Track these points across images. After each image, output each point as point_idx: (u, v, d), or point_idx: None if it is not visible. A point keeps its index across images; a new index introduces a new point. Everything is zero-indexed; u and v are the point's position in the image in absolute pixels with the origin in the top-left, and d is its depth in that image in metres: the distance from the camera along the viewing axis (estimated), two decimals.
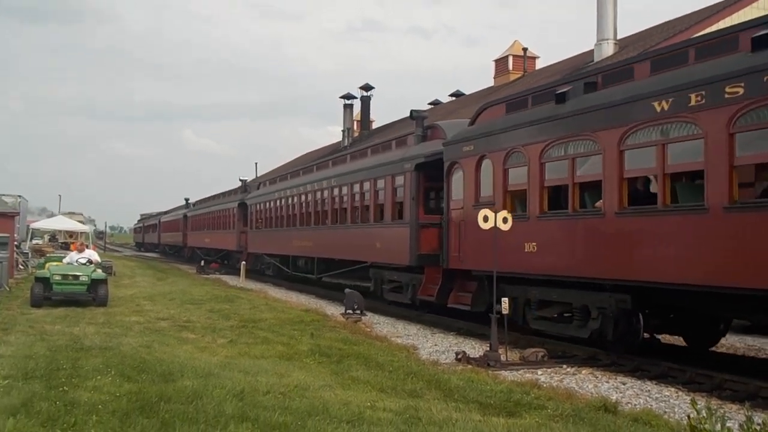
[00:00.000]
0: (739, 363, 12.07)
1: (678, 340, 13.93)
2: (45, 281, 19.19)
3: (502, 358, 12.31)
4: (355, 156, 24.09)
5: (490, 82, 40.12)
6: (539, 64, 38.49)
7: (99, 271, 20.26)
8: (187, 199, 61.71)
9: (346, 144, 50.07)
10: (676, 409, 9.21)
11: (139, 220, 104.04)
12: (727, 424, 5.36)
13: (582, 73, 14.30)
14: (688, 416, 5.78)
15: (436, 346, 14.55)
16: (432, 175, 17.55)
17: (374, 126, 54.33)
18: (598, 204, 11.96)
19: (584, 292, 12.40)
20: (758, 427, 5.24)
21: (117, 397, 8.21)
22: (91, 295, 19.31)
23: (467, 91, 44.87)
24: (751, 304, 9.93)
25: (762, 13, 17.28)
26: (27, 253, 38.88)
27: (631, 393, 10.21)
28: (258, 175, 50.83)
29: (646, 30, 29.39)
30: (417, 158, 18.03)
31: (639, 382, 10.93)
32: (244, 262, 34.74)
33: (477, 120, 16.01)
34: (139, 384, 8.95)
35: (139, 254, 79.00)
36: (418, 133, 19.18)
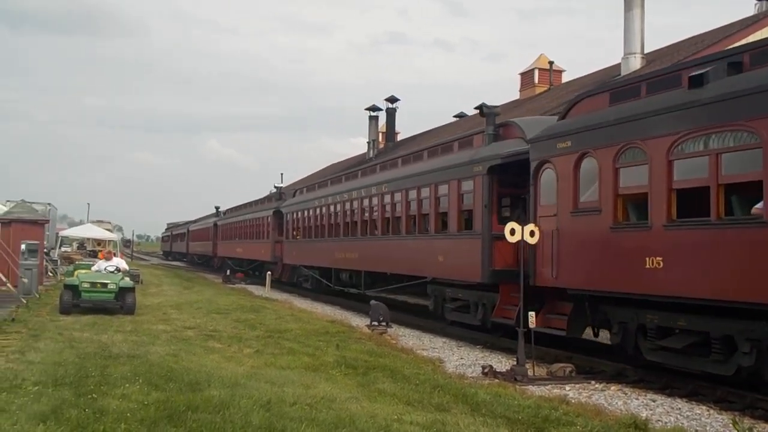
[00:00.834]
0: None
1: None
2: (74, 289, 19.36)
3: (530, 372, 12.21)
4: (408, 160, 21.70)
5: (515, 96, 40.01)
6: (565, 78, 38.34)
7: (127, 279, 20.43)
8: (217, 207, 60.31)
9: (371, 156, 50.13)
10: (707, 428, 9.07)
11: (166, 229, 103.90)
12: None
13: (721, 54, 11.60)
14: None
15: (462, 360, 14.47)
16: (507, 180, 15.71)
17: (399, 138, 54.38)
18: (756, 210, 9.66)
19: (728, 320, 10.08)
20: None
21: (145, 405, 8.25)
22: (119, 303, 19.47)
23: (492, 104, 44.71)
24: None
25: None
26: (56, 261, 39.38)
27: (662, 410, 10.07)
28: (284, 185, 50.89)
29: (674, 44, 29.17)
30: (491, 160, 15.67)
31: (669, 399, 10.78)
32: (270, 273, 34.79)
33: (570, 113, 13.62)
34: (166, 393, 8.99)
35: (165, 263, 79.49)
36: (489, 132, 16.63)
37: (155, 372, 10.37)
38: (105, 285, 19.52)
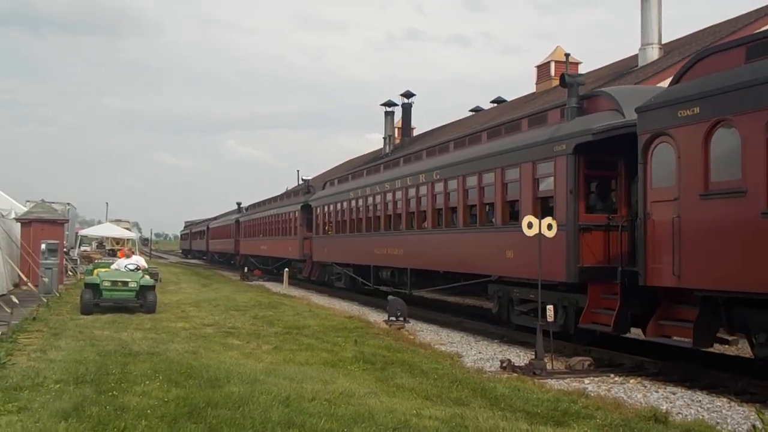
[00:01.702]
0: None
1: (728, 349, 13.59)
2: (95, 287, 19.42)
3: (548, 366, 12.17)
4: (462, 143, 19.08)
5: (531, 89, 39.82)
6: (581, 70, 38.07)
7: (147, 277, 20.49)
8: (239, 203, 58.92)
9: (387, 151, 50.12)
10: (728, 420, 9.00)
11: (185, 227, 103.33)
12: None
13: None
14: (754, 426, 5.58)
15: (480, 354, 14.45)
16: (595, 161, 13.66)
17: (415, 133, 54.33)
18: None
19: None
20: None
21: (165, 402, 8.31)
22: (140, 301, 19.54)
23: (508, 98, 44.61)
24: None
25: None
26: (76, 260, 39.75)
27: (682, 403, 10.00)
28: (299, 183, 50.77)
29: (692, 34, 28.91)
30: (579, 136, 13.37)
31: (689, 391, 10.70)
32: (287, 269, 34.85)
33: (688, 75, 11.34)
34: (186, 389, 9.05)
35: (184, 261, 79.76)
36: (572, 105, 14.14)
37: (175, 369, 10.44)
38: (126, 283, 19.59)
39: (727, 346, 12.57)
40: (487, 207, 16.99)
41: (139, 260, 21.79)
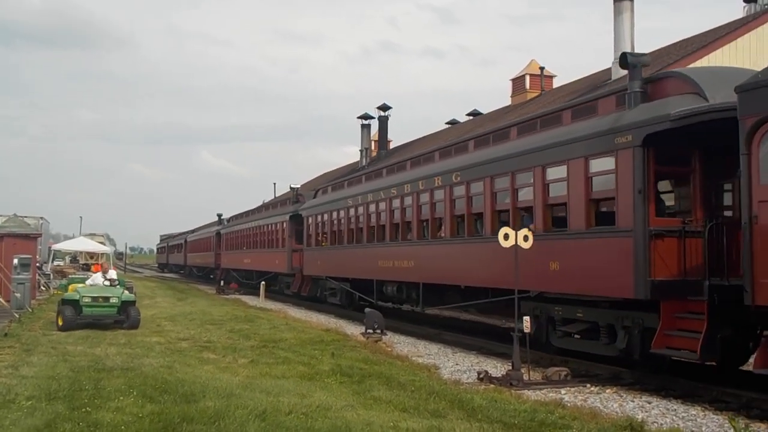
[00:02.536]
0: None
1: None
2: (74, 304, 18.66)
3: (525, 377, 12.21)
4: (484, 142, 16.89)
5: (506, 102, 40.13)
6: (556, 83, 38.46)
7: (127, 292, 19.95)
8: (219, 215, 56.74)
9: (363, 164, 50.16)
10: (703, 429, 9.08)
11: (161, 240, 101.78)
12: None
13: None
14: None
15: (458, 366, 14.46)
16: (667, 155, 11.64)
17: (392, 146, 54.45)
18: None
19: None
20: None
21: (139, 417, 8.22)
22: (122, 317, 18.96)
23: (484, 111, 44.91)
24: None
25: None
26: (49, 275, 39.25)
27: (657, 412, 10.07)
28: (276, 196, 50.44)
29: (663, 47, 29.32)
30: (651, 124, 11.28)
31: (664, 401, 10.78)
32: (263, 282, 34.60)
33: None
34: (161, 405, 8.96)
35: (159, 275, 79.03)
36: (635, 89, 11.98)
37: (149, 384, 10.33)
38: (107, 299, 18.94)
39: None
40: (523, 212, 14.80)
41: (113, 274, 21.33)
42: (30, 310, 23.63)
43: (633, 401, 10.83)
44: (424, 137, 48.48)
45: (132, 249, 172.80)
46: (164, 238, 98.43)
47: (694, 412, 9.99)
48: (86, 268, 43.04)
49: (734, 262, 10.62)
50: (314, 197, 30.75)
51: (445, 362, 14.91)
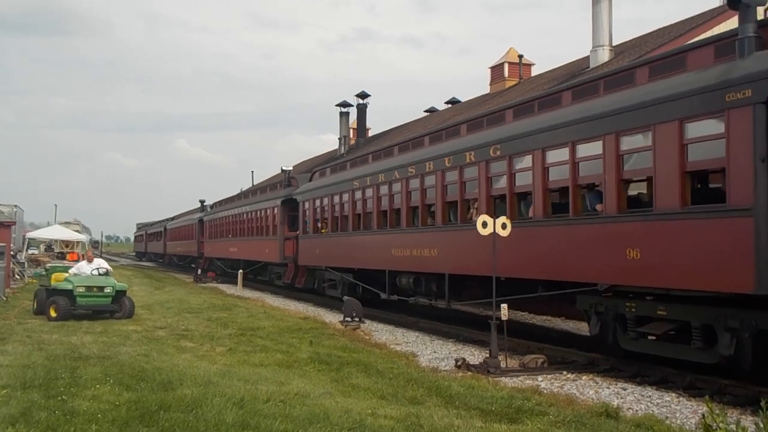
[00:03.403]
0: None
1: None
2: (68, 294, 18.18)
3: (502, 364, 12.29)
4: (526, 110, 14.50)
5: (485, 90, 40.16)
6: (535, 71, 38.57)
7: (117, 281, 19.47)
8: (202, 201, 53.93)
9: (342, 152, 50.04)
10: (677, 414, 9.20)
11: (139, 228, 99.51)
12: (742, 423, 5.29)
13: None
14: (703, 415, 5.65)
15: (436, 353, 14.52)
16: None
17: (370, 134, 54.37)
18: None
19: None
20: None
21: (116, 406, 8.16)
22: (115, 306, 18.65)
23: (463, 99, 44.94)
24: None
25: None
26: (23, 263, 38.81)
27: (632, 398, 10.19)
28: (255, 183, 50.01)
29: (641, 36, 29.48)
30: None
31: (639, 387, 10.91)
32: (241, 270, 34.42)
33: None
34: (138, 393, 8.89)
35: (136, 264, 78.32)
36: (748, 34, 9.72)
37: (126, 372, 10.26)
38: (101, 289, 18.52)
39: None
40: (585, 190, 12.64)
41: (101, 263, 20.61)
42: (4, 298, 23.39)
43: (609, 388, 10.94)
44: (405, 124, 48.44)
45: (108, 237, 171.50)
46: (141, 227, 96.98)
47: (668, 399, 10.12)
48: (61, 256, 42.61)
49: None
50: (310, 180, 28.34)
51: (423, 350, 14.96)
